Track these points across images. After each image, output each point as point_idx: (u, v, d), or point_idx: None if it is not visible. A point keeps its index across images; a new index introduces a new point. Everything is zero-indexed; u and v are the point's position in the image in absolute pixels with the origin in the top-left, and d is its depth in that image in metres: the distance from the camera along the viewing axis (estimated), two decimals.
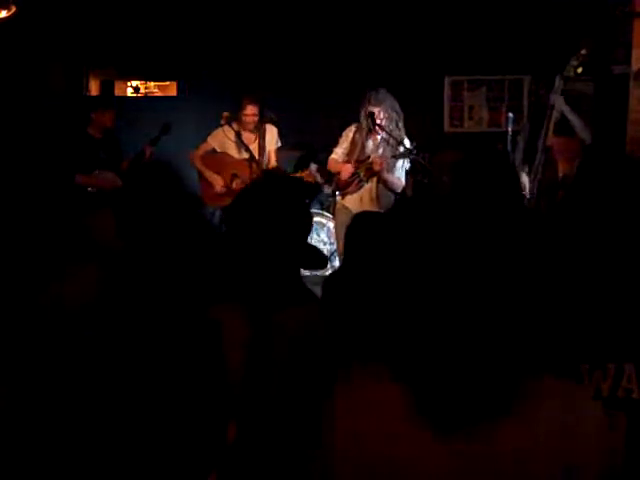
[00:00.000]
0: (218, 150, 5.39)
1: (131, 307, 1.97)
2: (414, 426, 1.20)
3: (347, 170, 4.91)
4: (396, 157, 4.79)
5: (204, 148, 5.44)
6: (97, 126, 5.29)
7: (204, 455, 1.57)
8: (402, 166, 4.89)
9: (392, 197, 4.91)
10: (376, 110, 4.74)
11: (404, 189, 5.10)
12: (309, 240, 2.15)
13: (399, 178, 4.90)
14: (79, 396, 1.68)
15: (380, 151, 4.82)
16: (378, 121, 4.74)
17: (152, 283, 2.03)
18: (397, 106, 4.85)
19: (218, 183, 5.33)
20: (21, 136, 5.67)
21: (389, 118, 4.78)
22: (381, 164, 4.72)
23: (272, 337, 1.87)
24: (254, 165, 5.21)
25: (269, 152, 5.39)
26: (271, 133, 5.40)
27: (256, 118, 5.26)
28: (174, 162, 6.37)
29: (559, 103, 4.61)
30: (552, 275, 1.70)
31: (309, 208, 2.23)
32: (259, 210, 2.01)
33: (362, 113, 4.81)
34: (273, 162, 5.39)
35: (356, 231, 2.70)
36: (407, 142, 4.83)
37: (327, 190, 5.43)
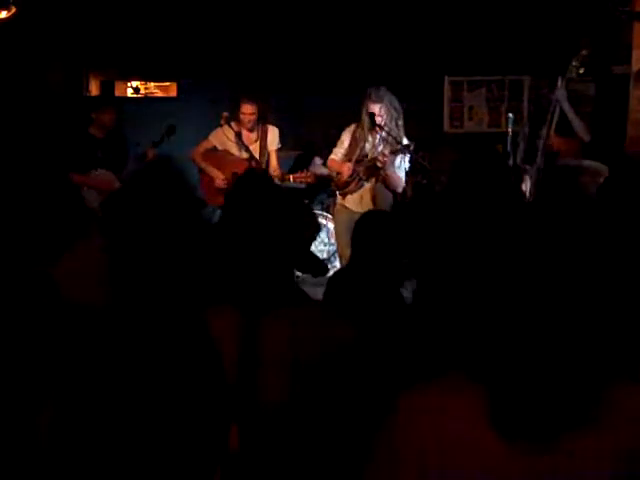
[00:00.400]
0: (219, 148, 5.39)
1: (131, 310, 1.97)
2: (490, 435, 1.19)
3: (347, 169, 4.91)
4: (394, 153, 4.78)
5: (205, 145, 5.43)
6: (99, 126, 5.29)
7: (206, 459, 1.56)
8: (401, 164, 4.89)
9: (391, 196, 4.91)
10: (377, 107, 4.74)
11: (404, 189, 5.10)
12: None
13: (399, 177, 4.90)
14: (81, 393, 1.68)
15: (379, 149, 4.82)
16: (378, 119, 4.74)
17: (151, 285, 2.03)
18: (397, 104, 4.85)
19: (219, 177, 5.31)
20: (21, 136, 5.67)
21: (389, 116, 4.78)
22: (384, 161, 4.73)
23: (262, 339, 1.87)
24: (254, 165, 5.20)
25: (270, 153, 5.38)
26: (272, 134, 5.38)
27: (253, 117, 5.24)
28: (175, 162, 6.40)
29: (563, 100, 4.61)
30: (610, 273, 1.70)
31: (308, 211, 2.22)
32: (250, 211, 2.01)
33: (363, 111, 4.82)
34: (274, 163, 5.38)
35: (364, 230, 2.70)
36: (405, 141, 4.83)
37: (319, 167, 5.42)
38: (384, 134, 4.77)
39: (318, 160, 6.25)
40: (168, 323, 1.85)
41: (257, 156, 5.27)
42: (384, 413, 1.30)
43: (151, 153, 5.37)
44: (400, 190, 4.92)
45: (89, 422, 1.66)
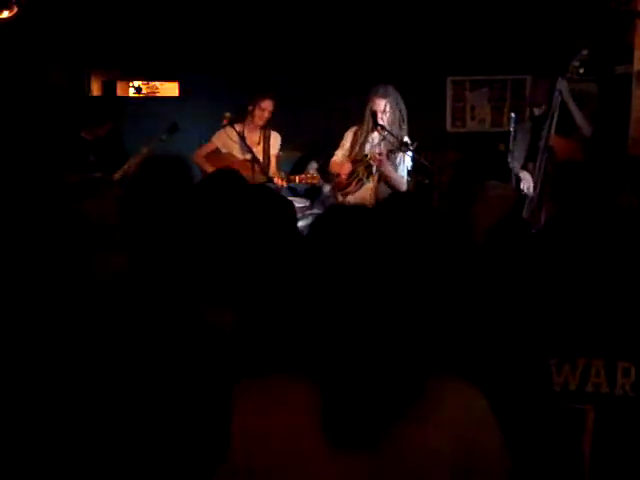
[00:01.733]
0: (222, 150, 5.38)
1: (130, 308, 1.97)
2: (311, 431, 1.19)
3: (345, 168, 4.91)
4: (393, 152, 4.78)
5: (208, 148, 5.43)
6: (90, 130, 5.29)
7: (207, 456, 1.56)
8: (402, 163, 4.87)
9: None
10: (382, 103, 4.76)
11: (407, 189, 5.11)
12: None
13: (401, 176, 4.90)
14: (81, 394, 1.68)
15: (378, 149, 4.82)
16: (381, 117, 4.75)
17: (151, 287, 2.03)
18: (403, 105, 4.85)
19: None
20: (22, 136, 5.67)
21: (393, 115, 4.79)
22: (379, 159, 4.74)
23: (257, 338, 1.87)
24: (256, 166, 5.18)
25: (270, 157, 5.36)
26: (275, 139, 5.38)
27: (270, 114, 5.24)
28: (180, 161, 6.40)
29: (566, 95, 4.59)
30: (508, 271, 1.72)
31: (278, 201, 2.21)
32: (239, 214, 2.01)
33: (367, 109, 4.82)
34: (273, 167, 5.36)
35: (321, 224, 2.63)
36: (407, 140, 4.83)
37: (326, 189, 5.44)
38: (385, 133, 4.77)
39: (314, 164, 6.26)
40: (169, 324, 1.86)
41: (260, 158, 5.25)
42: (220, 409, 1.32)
43: (146, 150, 5.33)
44: (403, 189, 4.91)
45: (89, 419, 1.66)
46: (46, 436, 1.70)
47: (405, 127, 4.87)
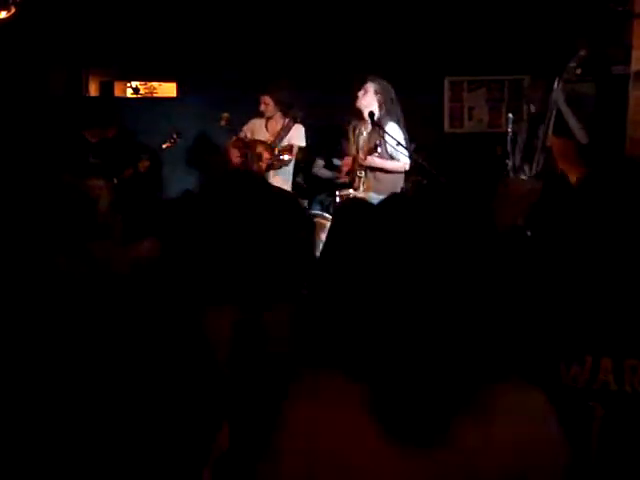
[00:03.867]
0: (248, 135, 5.68)
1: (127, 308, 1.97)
2: (368, 429, 1.19)
3: (345, 165, 5.23)
4: (370, 153, 4.94)
5: (238, 136, 5.73)
6: (95, 132, 5.28)
7: (196, 455, 1.57)
8: (392, 148, 4.98)
9: (394, 179, 5.08)
10: (360, 92, 5.01)
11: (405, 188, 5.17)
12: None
13: (397, 160, 5.05)
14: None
15: (365, 142, 4.98)
16: (360, 106, 4.95)
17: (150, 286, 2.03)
18: (388, 89, 5.00)
19: (234, 154, 5.62)
20: (19, 136, 5.66)
21: (370, 97, 4.94)
22: (363, 159, 4.92)
23: (254, 338, 1.87)
24: (261, 146, 5.52)
25: (292, 147, 5.58)
26: (297, 131, 5.64)
27: (268, 107, 5.57)
28: (175, 162, 6.41)
29: (560, 102, 4.61)
30: (523, 276, 1.72)
31: (302, 210, 2.22)
32: (245, 210, 2.00)
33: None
34: (286, 155, 5.55)
35: (343, 218, 2.64)
36: (394, 126, 4.92)
37: (341, 179, 5.58)
38: (376, 127, 4.89)
39: (320, 162, 6.28)
40: (163, 322, 1.86)
41: (270, 140, 5.55)
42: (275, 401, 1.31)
43: (142, 166, 5.36)
44: (404, 169, 5.03)
45: (86, 415, 1.66)
46: (45, 433, 1.70)
47: (394, 112, 4.96)
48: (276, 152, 5.47)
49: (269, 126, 5.69)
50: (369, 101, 4.97)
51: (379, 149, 4.95)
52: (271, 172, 5.49)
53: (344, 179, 5.43)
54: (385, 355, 1.19)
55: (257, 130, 5.70)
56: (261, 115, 5.69)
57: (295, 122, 5.67)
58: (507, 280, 1.29)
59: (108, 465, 1.63)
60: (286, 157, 5.49)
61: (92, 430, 1.65)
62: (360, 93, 5.01)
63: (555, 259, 1.68)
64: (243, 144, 5.65)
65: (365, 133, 5.08)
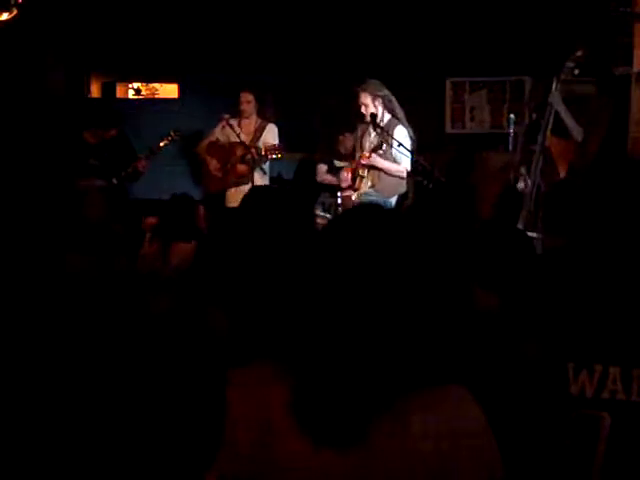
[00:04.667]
0: (221, 139, 5.68)
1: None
2: (289, 425, 1.18)
3: (345, 181, 5.19)
4: (374, 151, 4.90)
5: (208, 140, 5.74)
6: (95, 134, 5.28)
7: (201, 455, 1.56)
8: (396, 152, 4.96)
9: (396, 182, 5.04)
10: (362, 96, 4.93)
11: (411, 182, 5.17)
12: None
13: (399, 164, 5.00)
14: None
15: (368, 144, 4.97)
16: (365, 112, 4.86)
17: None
18: (389, 95, 4.97)
19: (213, 165, 5.64)
20: (21, 138, 5.67)
21: (376, 103, 4.91)
22: (367, 157, 4.89)
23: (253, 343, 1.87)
24: (240, 149, 5.49)
25: (278, 146, 5.53)
26: (271, 130, 5.62)
27: (250, 105, 5.57)
28: (176, 164, 6.40)
29: (556, 103, 4.61)
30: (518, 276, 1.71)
31: (307, 215, 2.22)
32: (249, 219, 2.00)
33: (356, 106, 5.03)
34: (274, 155, 5.50)
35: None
36: (402, 129, 4.90)
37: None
38: (376, 129, 4.88)
39: (323, 167, 6.30)
40: (168, 325, 1.85)
41: (247, 142, 5.49)
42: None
43: (141, 165, 5.36)
44: (404, 175, 5.01)
45: (86, 414, 1.66)
46: (45, 431, 1.70)
47: (399, 118, 4.95)
48: (262, 152, 5.43)
49: (242, 126, 5.63)
50: (370, 111, 4.96)
51: (384, 146, 4.94)
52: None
53: (345, 186, 5.44)
54: (314, 351, 1.17)
55: (229, 132, 5.64)
56: (235, 115, 5.65)
57: (269, 121, 5.65)
58: (456, 288, 1.27)
59: (114, 467, 1.63)
60: (274, 157, 5.49)
61: (98, 432, 1.65)
62: (362, 109, 4.98)
63: (564, 264, 1.67)
64: (219, 148, 5.65)
65: (373, 135, 5.06)
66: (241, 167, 5.50)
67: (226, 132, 5.66)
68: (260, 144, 5.51)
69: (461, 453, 1.16)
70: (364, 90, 4.96)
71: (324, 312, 1.18)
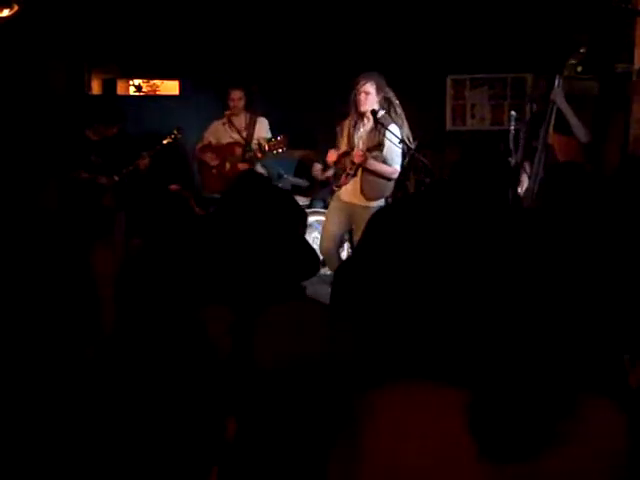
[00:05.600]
0: (213, 142, 5.69)
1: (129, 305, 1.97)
2: (463, 443, 1.16)
3: (330, 156, 5.05)
4: (369, 150, 4.82)
5: (202, 143, 5.75)
6: (97, 131, 5.28)
7: (204, 452, 1.56)
8: (393, 153, 4.87)
9: (385, 185, 4.92)
10: (364, 86, 4.82)
11: (404, 180, 5.11)
12: (309, 239, 2.15)
13: (390, 165, 4.88)
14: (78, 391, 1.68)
15: (362, 140, 4.89)
16: (363, 106, 4.79)
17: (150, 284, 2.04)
18: (390, 91, 4.90)
19: (212, 159, 5.65)
20: (22, 134, 5.67)
21: (377, 97, 4.83)
22: (361, 156, 4.79)
23: (252, 338, 1.87)
24: (239, 148, 5.54)
25: (258, 139, 5.58)
26: (261, 123, 5.65)
27: (240, 102, 5.59)
28: (177, 160, 6.40)
29: (559, 100, 4.60)
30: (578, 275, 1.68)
31: (298, 207, 2.22)
32: (243, 211, 2.00)
33: (351, 97, 4.92)
34: (280, 149, 5.51)
35: (374, 225, 2.64)
36: (396, 128, 4.84)
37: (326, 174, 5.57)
38: (376, 120, 4.81)
39: (318, 165, 6.31)
40: (166, 322, 1.86)
41: (243, 141, 5.54)
42: (350, 409, 1.27)
43: (142, 164, 5.35)
44: (395, 177, 4.92)
45: (87, 415, 1.66)
46: (45, 431, 1.70)
47: (398, 115, 4.89)
48: (266, 148, 5.42)
49: (234, 124, 5.64)
50: (372, 101, 4.84)
51: (384, 150, 4.85)
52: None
53: (328, 174, 5.43)
54: (485, 363, 1.15)
55: (221, 133, 5.67)
56: (221, 116, 5.67)
57: (257, 115, 5.66)
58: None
59: (117, 464, 1.63)
60: (280, 150, 5.48)
61: (101, 429, 1.65)
62: (362, 97, 4.83)
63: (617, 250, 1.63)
64: (214, 149, 5.66)
65: (362, 130, 4.92)
66: (242, 166, 5.49)
67: (217, 133, 5.69)
68: (255, 140, 5.54)
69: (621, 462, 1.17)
70: (369, 79, 4.86)
71: (486, 328, 1.15)
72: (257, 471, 1.83)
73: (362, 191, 4.88)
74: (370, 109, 4.80)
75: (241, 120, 5.65)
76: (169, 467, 1.64)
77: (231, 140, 5.60)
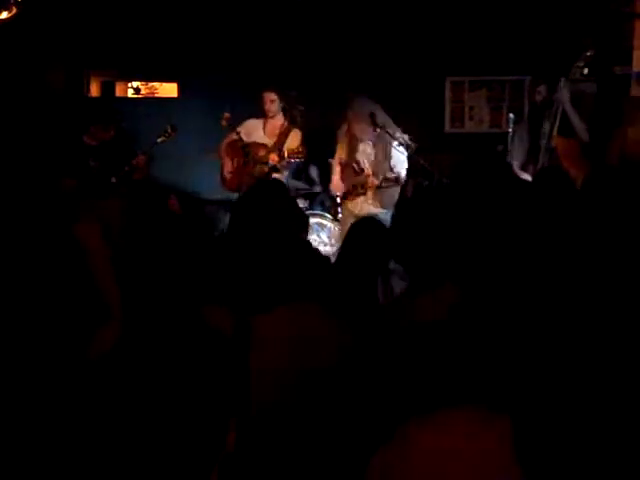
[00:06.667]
0: (244, 139, 5.58)
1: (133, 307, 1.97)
2: (508, 459, 1.15)
3: (337, 188, 5.23)
4: (379, 187, 4.93)
5: (229, 138, 5.67)
6: (94, 136, 5.28)
7: (205, 455, 1.56)
8: (395, 157, 4.93)
9: (395, 192, 5.02)
10: (360, 126, 4.94)
11: (405, 190, 5.14)
12: (311, 240, 2.15)
13: (397, 171, 5.00)
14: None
15: (370, 154, 4.92)
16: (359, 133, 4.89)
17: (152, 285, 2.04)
18: (382, 114, 4.93)
19: (229, 164, 5.64)
20: (20, 136, 5.66)
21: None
22: (378, 180, 4.93)
23: (250, 339, 1.87)
24: (263, 150, 5.47)
25: (302, 150, 5.49)
26: (295, 135, 5.53)
27: (274, 104, 5.52)
28: (175, 163, 6.40)
29: (565, 102, 4.60)
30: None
31: (300, 211, 2.23)
32: (250, 215, 2.01)
33: (344, 128, 5.09)
34: (297, 158, 5.49)
35: (356, 235, 2.69)
36: (398, 133, 4.88)
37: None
38: (377, 133, 4.85)
39: (315, 170, 6.34)
40: (170, 323, 1.85)
41: (271, 145, 5.47)
42: (381, 439, 1.26)
43: (138, 162, 5.34)
44: (401, 181, 5.00)
45: (90, 414, 1.66)
46: (46, 430, 1.70)
47: (393, 131, 4.93)
48: (285, 155, 5.39)
49: (267, 127, 5.59)
50: (365, 127, 4.94)
51: (396, 171, 4.93)
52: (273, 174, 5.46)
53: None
54: (532, 391, 1.16)
55: (254, 132, 5.61)
56: (258, 115, 5.61)
57: (294, 126, 5.57)
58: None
59: (120, 465, 1.63)
60: (297, 159, 5.45)
61: (105, 430, 1.65)
62: (357, 132, 4.96)
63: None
64: (240, 146, 5.59)
65: (368, 141, 4.99)
66: (262, 167, 5.44)
67: (250, 129, 5.62)
68: (284, 150, 5.45)
69: None
70: (354, 113, 4.95)
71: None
72: (256, 477, 1.83)
73: (380, 199, 5.03)
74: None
75: (276, 124, 5.58)
76: (170, 467, 1.64)
77: (259, 141, 5.55)
